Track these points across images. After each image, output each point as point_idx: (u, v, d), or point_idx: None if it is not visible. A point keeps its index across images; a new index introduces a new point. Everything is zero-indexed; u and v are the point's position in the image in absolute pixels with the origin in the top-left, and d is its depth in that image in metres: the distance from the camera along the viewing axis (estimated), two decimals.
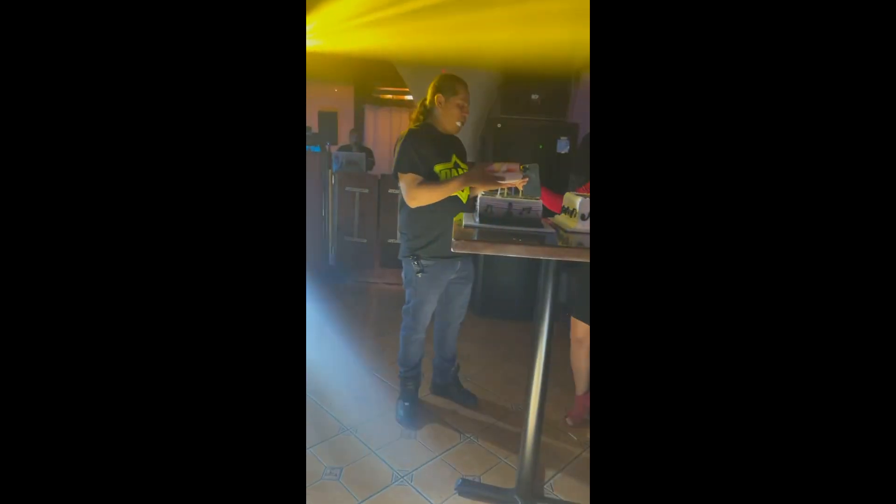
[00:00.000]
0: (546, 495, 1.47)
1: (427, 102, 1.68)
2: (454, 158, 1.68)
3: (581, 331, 1.82)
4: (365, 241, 3.59)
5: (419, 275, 1.68)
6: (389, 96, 6.83)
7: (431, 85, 1.67)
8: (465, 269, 1.80)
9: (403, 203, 1.67)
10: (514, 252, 0.99)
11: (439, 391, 2.02)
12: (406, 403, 1.83)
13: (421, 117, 1.69)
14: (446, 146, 1.67)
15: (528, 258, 1.11)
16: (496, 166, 1.39)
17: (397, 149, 1.63)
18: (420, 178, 1.57)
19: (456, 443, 1.70)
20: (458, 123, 1.66)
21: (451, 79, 1.64)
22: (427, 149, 1.59)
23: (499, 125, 2.78)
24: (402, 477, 1.50)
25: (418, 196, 1.57)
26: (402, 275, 1.78)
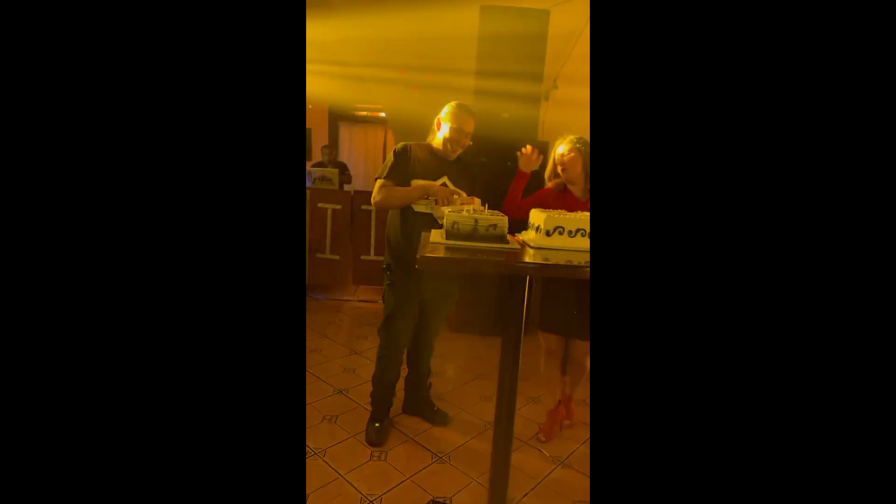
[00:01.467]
0: None
1: (435, 123, 1.73)
2: (444, 180, 1.69)
3: (553, 343, 1.83)
4: (338, 257, 3.54)
5: (388, 285, 1.72)
6: (364, 112, 6.85)
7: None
8: (442, 287, 1.78)
9: (389, 218, 1.75)
10: (476, 268, 0.99)
11: (412, 410, 1.98)
12: (377, 424, 1.79)
13: (429, 135, 1.75)
14: (438, 166, 1.68)
15: (510, 279, 1.11)
16: (456, 198, 1.50)
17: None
18: (388, 183, 1.64)
19: (427, 463, 1.67)
20: (450, 146, 1.67)
21: (454, 104, 1.69)
22: (411, 162, 1.65)
23: (470, 142, 2.82)
24: (371, 501, 1.45)
25: (377, 194, 1.65)
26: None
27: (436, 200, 1.59)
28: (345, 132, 6.99)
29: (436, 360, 1.98)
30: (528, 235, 1.33)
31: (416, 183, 1.64)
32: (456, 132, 1.66)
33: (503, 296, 1.27)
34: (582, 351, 1.84)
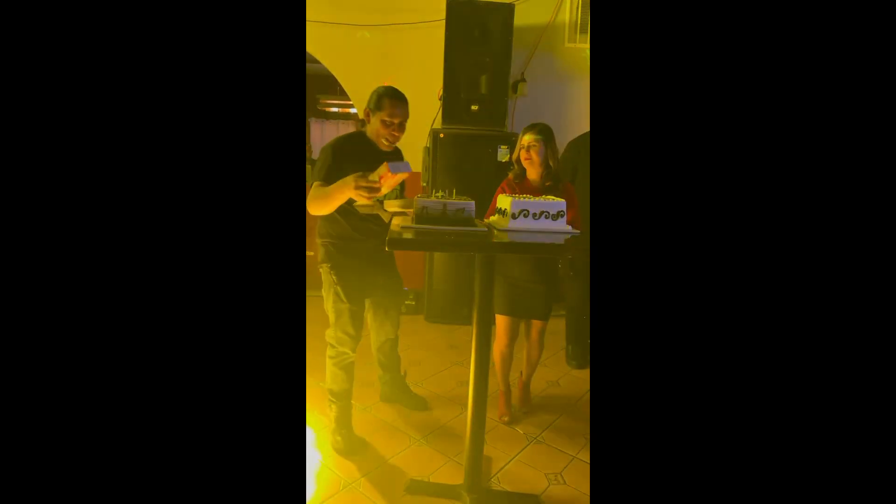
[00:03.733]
0: (492, 488, 1.51)
1: (363, 114, 1.62)
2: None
3: (502, 324, 1.85)
4: (311, 253, 3.53)
5: (331, 275, 1.67)
6: (335, 109, 6.79)
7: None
8: (385, 282, 1.76)
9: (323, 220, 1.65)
10: (442, 250, 1.04)
11: (389, 399, 2.01)
12: (339, 436, 1.65)
13: (361, 126, 1.64)
14: (375, 158, 1.50)
15: (479, 262, 1.14)
16: (372, 177, 1.33)
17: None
18: (323, 184, 1.44)
19: (406, 446, 1.71)
20: (385, 140, 1.56)
21: (380, 93, 1.55)
22: (346, 157, 1.49)
23: (441, 135, 2.86)
24: (351, 484, 1.49)
25: (310, 205, 1.46)
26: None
27: (384, 200, 1.46)
28: (316, 128, 6.91)
29: (413, 349, 2.02)
30: (496, 219, 1.38)
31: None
32: (384, 123, 1.53)
33: (476, 280, 1.32)
34: (535, 330, 1.89)
